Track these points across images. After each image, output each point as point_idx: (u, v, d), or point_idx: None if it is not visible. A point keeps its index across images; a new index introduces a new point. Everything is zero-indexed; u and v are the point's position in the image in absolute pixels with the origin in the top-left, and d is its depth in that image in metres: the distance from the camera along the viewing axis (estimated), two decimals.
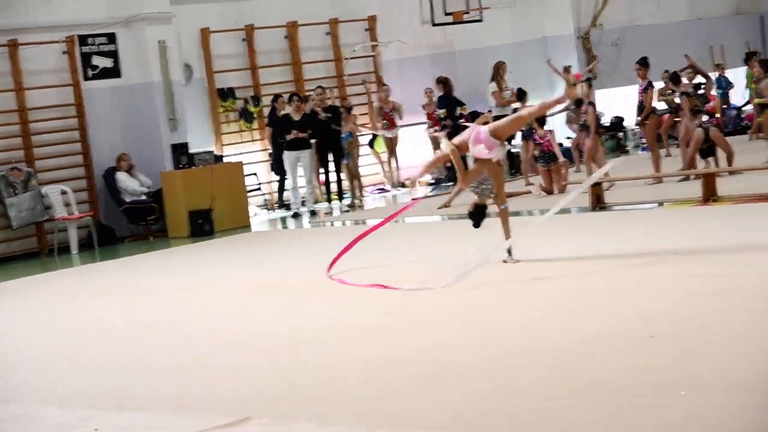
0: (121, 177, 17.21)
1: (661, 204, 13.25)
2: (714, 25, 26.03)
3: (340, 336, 7.79)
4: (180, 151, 17.25)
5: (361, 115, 20.29)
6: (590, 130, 15.80)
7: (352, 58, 21.01)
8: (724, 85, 22.60)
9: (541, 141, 16.10)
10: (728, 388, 5.19)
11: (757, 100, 17.48)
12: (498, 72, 19.58)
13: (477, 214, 10.04)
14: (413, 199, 15.37)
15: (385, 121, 20.12)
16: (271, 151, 19.10)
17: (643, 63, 16.01)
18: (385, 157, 20.42)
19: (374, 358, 6.88)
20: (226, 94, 19.45)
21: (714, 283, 7.90)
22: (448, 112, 19.81)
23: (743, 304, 7.08)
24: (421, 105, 20.54)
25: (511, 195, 16.17)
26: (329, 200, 18.48)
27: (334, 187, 18.68)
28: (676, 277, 8.29)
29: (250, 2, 20.04)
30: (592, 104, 16.42)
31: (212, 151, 18.18)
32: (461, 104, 20.25)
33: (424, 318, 8.07)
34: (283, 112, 17.96)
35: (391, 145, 20.25)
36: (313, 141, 17.91)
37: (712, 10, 26.64)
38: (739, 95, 23.57)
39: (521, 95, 18.25)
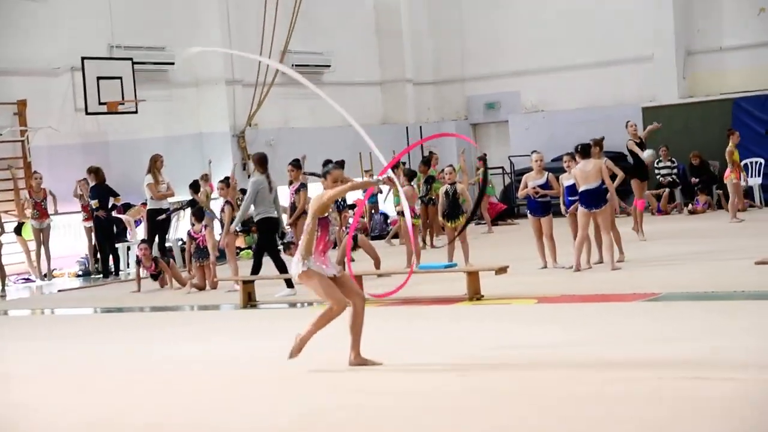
0: None
1: (310, 304, 13.49)
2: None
3: None
4: None
5: (6, 201, 19.44)
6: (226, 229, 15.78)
7: None
8: (375, 191, 23.46)
9: (197, 236, 16.08)
10: None
11: (397, 208, 18.10)
12: (154, 164, 19.45)
13: None
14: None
15: (35, 211, 19.27)
16: None
17: (296, 164, 16.38)
18: (33, 245, 19.61)
19: None
20: None
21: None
22: (101, 203, 19.45)
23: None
24: (73, 195, 20.01)
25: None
26: None
27: None
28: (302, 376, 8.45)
29: None
30: (229, 203, 16.34)
31: None
32: (115, 194, 19.98)
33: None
34: None
35: (41, 235, 19.39)
36: None
37: (361, 118, 27.69)
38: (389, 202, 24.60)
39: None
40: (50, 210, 19.69)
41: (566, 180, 14.65)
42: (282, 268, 14.50)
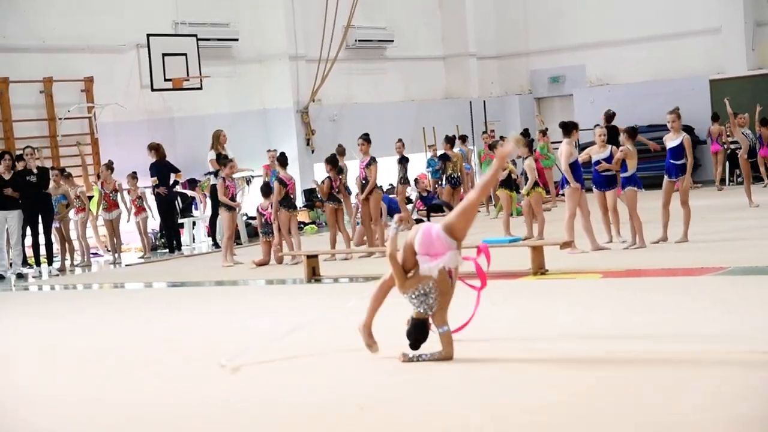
0: None
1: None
2: (426, 108, 27.14)
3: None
4: None
5: (75, 177, 19.58)
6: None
7: (66, 118, 20.46)
8: (436, 165, 23.37)
9: (264, 212, 16.11)
10: None
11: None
12: (217, 140, 19.53)
13: (417, 331, 7.84)
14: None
15: (104, 202, 18.92)
16: None
17: (366, 139, 16.34)
18: (100, 221, 19.58)
19: None
20: None
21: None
22: (161, 179, 19.37)
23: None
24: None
25: None
26: (38, 263, 17.75)
27: (43, 250, 17.96)
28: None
29: None
30: (279, 179, 16.20)
31: None
32: (175, 171, 19.84)
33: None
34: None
35: (112, 226, 19.21)
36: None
37: (424, 93, 27.82)
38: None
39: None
40: (120, 204, 19.27)
41: (595, 155, 14.19)
42: None
